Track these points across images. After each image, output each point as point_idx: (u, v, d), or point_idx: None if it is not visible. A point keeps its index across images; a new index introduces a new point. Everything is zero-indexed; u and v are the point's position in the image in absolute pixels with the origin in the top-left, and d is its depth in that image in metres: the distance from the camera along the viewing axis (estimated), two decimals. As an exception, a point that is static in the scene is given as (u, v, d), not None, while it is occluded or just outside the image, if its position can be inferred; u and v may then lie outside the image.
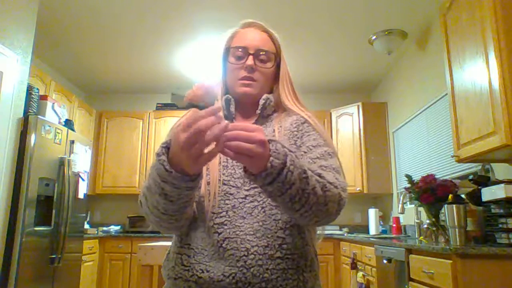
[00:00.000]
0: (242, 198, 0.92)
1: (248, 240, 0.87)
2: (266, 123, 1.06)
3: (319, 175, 0.85)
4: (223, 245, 0.87)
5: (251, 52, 1.04)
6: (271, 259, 0.86)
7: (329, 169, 0.92)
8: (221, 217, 0.90)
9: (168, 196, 0.78)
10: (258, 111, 1.05)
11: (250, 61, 1.03)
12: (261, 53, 1.05)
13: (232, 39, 1.10)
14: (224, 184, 0.93)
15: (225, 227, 0.89)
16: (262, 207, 0.91)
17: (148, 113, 5.09)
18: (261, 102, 1.05)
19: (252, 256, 0.86)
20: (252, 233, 0.88)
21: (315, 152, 0.96)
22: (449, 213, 2.23)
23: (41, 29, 3.52)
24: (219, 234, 0.88)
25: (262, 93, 1.06)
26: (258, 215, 0.90)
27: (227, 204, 0.91)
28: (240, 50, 1.05)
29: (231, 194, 0.92)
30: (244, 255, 0.86)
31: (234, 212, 0.90)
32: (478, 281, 1.79)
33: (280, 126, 1.03)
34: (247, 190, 0.92)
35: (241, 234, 0.88)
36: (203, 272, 0.87)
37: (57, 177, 3.32)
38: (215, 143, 0.69)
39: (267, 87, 1.08)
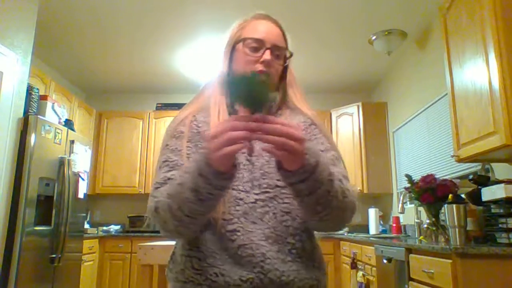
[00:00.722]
0: (252, 202, 0.90)
1: (262, 245, 0.86)
2: None
3: (340, 180, 0.85)
4: (239, 252, 0.86)
5: (268, 46, 0.99)
6: (283, 263, 0.86)
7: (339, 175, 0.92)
8: (232, 223, 0.88)
9: (199, 194, 0.77)
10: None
11: (268, 55, 0.98)
12: (277, 49, 1.01)
13: (243, 29, 1.04)
14: (233, 189, 0.90)
15: (238, 233, 0.87)
16: (274, 213, 0.89)
17: (148, 113, 5.09)
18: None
19: (269, 260, 0.85)
20: (264, 239, 0.87)
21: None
22: (449, 213, 2.23)
23: (41, 29, 3.52)
24: (233, 241, 0.87)
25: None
26: (269, 221, 0.89)
27: (238, 210, 0.89)
28: (256, 42, 1.00)
29: (240, 199, 0.90)
30: (261, 260, 0.85)
31: (246, 218, 0.88)
32: (478, 281, 1.79)
33: None
34: (257, 194, 0.90)
35: (255, 240, 0.86)
36: (217, 276, 0.85)
37: (57, 177, 3.32)
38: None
39: (275, 84, 1.05)
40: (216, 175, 0.74)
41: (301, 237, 0.91)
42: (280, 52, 1.02)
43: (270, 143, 0.70)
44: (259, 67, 0.98)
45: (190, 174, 0.78)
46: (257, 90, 0.72)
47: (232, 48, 1.04)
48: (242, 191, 0.91)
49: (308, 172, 0.75)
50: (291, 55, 1.05)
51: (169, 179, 0.89)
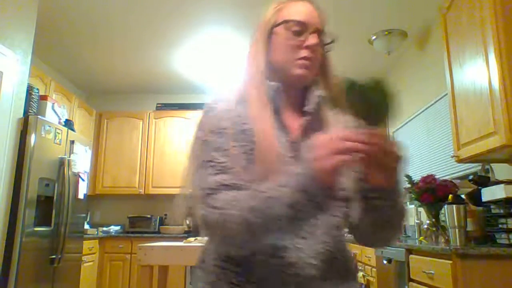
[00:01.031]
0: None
1: (310, 263, 0.79)
2: (317, 122, 0.90)
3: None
4: (285, 270, 0.78)
5: (312, 30, 0.88)
6: (325, 280, 0.81)
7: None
8: (283, 239, 0.79)
9: (296, 211, 0.71)
10: (310, 109, 0.88)
11: (314, 40, 0.87)
12: (320, 33, 0.90)
13: (279, 12, 0.91)
14: None
15: (288, 250, 0.78)
16: (325, 227, 0.82)
17: (148, 113, 5.09)
18: (315, 99, 0.89)
19: (315, 280, 0.79)
20: (313, 255, 0.79)
21: None
22: (449, 213, 2.22)
23: (41, 29, 3.52)
24: (281, 258, 0.78)
25: (311, 79, 0.91)
26: (321, 236, 0.81)
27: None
28: (298, 25, 0.88)
29: None
30: (308, 280, 0.78)
31: (296, 233, 0.80)
32: (478, 281, 1.79)
33: None
34: None
35: (304, 257, 0.78)
36: None
37: (57, 177, 3.32)
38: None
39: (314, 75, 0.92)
40: (322, 191, 0.70)
41: (345, 252, 0.88)
42: (322, 37, 0.90)
43: (376, 160, 0.69)
44: (304, 53, 0.87)
45: (289, 188, 0.70)
46: (386, 103, 0.70)
47: (269, 34, 0.91)
48: None
49: (390, 190, 0.75)
50: (333, 40, 0.91)
51: (223, 185, 0.78)
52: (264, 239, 0.75)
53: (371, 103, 0.69)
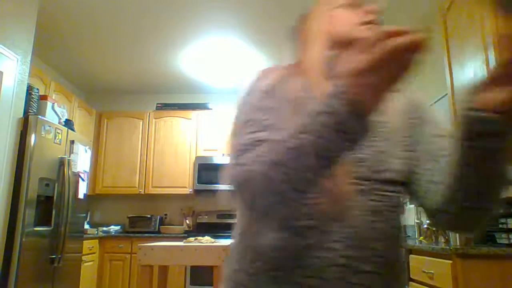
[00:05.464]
0: None
1: (335, 249, 0.69)
2: None
3: None
4: (306, 254, 0.69)
5: None
6: (356, 273, 0.69)
7: None
8: (308, 219, 0.70)
9: (324, 158, 0.58)
10: None
11: None
12: None
13: None
14: None
15: (311, 232, 0.69)
16: (360, 210, 0.71)
17: (148, 113, 5.09)
18: None
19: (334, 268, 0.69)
20: (341, 240, 0.69)
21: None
22: (449, 213, 2.22)
23: (41, 29, 3.52)
24: (305, 238, 0.69)
25: None
26: (353, 220, 0.70)
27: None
28: None
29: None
30: (327, 266, 0.68)
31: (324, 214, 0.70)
32: (478, 281, 1.79)
33: None
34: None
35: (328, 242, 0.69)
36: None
37: (57, 177, 3.32)
38: None
39: None
40: (359, 125, 0.55)
41: (387, 243, 0.73)
42: None
43: None
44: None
45: (312, 132, 0.57)
46: None
47: None
48: None
49: None
50: None
51: (258, 141, 0.67)
52: (293, 201, 0.63)
53: None
